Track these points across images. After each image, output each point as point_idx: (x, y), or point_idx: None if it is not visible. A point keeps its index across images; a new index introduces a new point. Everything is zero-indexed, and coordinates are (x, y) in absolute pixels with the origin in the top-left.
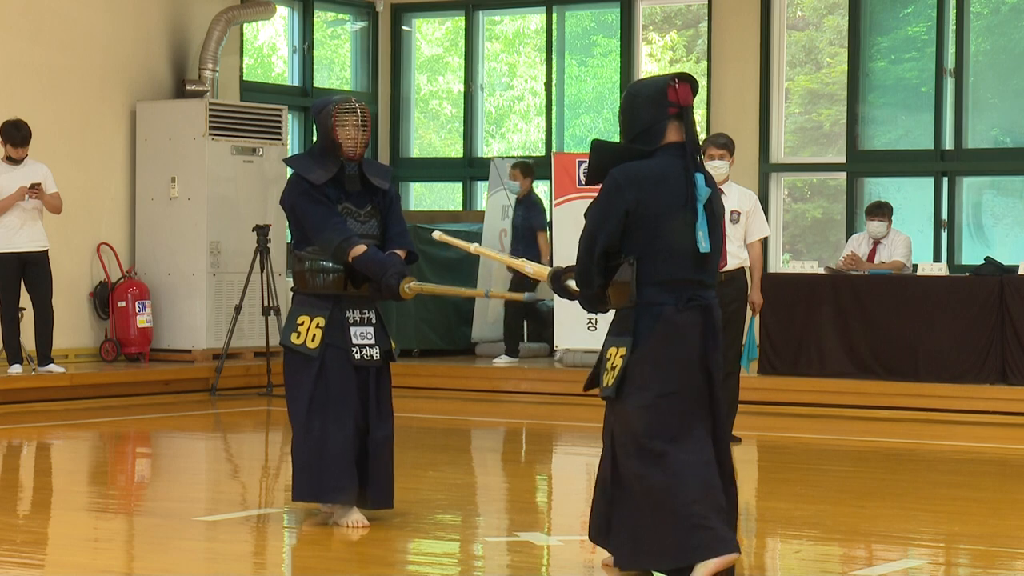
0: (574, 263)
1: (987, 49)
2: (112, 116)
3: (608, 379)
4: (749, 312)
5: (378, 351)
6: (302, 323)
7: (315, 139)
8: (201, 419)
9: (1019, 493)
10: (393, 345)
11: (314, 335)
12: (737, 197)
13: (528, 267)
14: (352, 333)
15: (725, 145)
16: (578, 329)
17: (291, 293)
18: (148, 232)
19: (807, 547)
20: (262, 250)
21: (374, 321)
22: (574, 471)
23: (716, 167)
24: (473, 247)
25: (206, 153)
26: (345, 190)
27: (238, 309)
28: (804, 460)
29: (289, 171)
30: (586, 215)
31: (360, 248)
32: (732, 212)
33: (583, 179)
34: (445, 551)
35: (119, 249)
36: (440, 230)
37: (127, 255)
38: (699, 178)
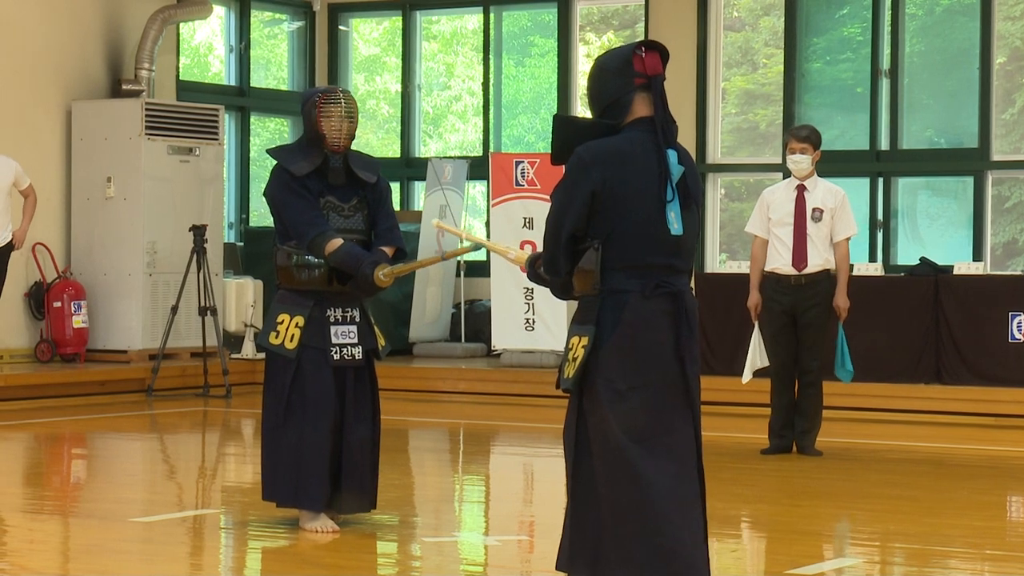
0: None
1: (922, 50)
2: (47, 115)
3: (569, 370)
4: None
5: (360, 350)
6: (282, 322)
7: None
8: (137, 420)
9: (954, 492)
10: (382, 343)
11: (292, 335)
12: (822, 194)
13: (511, 253)
14: (332, 332)
15: (807, 138)
16: (515, 329)
17: (276, 288)
18: (84, 232)
19: (743, 546)
20: (199, 250)
21: (358, 319)
22: (512, 471)
23: (797, 161)
24: (464, 233)
25: (142, 153)
26: (328, 183)
27: (174, 309)
28: (739, 459)
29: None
30: (552, 197)
31: (335, 242)
32: (814, 210)
33: (519, 179)
34: (383, 551)
35: (54, 249)
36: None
37: (62, 255)
38: (671, 154)
